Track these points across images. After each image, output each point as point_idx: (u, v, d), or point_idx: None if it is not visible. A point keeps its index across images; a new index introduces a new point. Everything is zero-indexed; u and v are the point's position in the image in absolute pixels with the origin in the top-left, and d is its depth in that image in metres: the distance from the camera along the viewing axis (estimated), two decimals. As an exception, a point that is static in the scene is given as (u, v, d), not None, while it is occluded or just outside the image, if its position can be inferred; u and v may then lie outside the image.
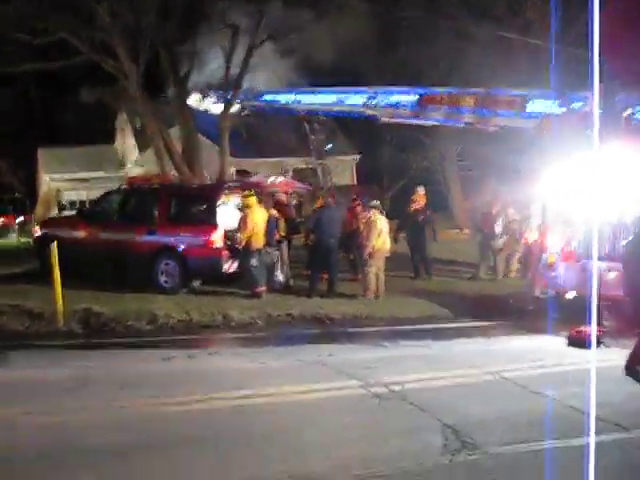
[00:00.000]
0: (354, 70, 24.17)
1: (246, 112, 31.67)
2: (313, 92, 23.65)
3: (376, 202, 14.54)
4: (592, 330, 10.21)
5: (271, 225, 14.02)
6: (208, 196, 14.23)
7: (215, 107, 32.76)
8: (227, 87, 20.62)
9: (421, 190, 26.61)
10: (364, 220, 14.29)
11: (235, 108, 32.19)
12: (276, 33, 20.24)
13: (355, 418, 6.66)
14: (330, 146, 33.43)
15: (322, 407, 7.07)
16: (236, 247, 13.73)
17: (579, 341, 10.31)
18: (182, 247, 13.91)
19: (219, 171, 20.61)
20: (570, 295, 12.49)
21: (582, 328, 10.48)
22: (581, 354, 9.83)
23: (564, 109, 13.56)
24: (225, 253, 13.74)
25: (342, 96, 21.17)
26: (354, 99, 20.59)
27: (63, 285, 14.13)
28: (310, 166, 33.72)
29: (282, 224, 14.66)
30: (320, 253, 14.21)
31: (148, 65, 19.63)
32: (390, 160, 38.88)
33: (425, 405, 6.95)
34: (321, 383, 7.80)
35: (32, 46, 20.06)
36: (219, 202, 13.89)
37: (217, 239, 13.69)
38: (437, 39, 23.64)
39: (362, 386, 7.65)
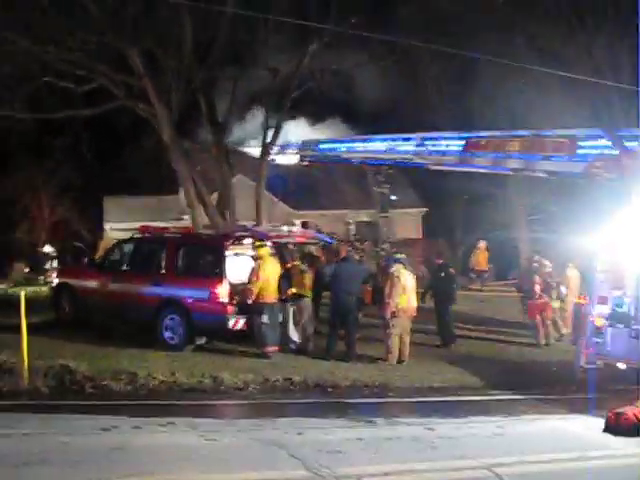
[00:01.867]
0: (411, 118, 22.95)
1: (305, 162, 30.85)
2: (365, 140, 22.57)
3: (401, 255, 12.98)
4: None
5: (285, 279, 12.72)
6: (215, 246, 13.05)
7: (281, 158, 32.11)
8: (265, 132, 19.61)
9: (482, 245, 24.93)
10: (387, 276, 12.74)
11: (295, 159, 31.37)
12: (319, 77, 19.23)
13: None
14: (394, 198, 32.10)
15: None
16: (245, 302, 12.44)
17: (618, 426, 8.43)
18: (186, 300, 12.73)
19: (256, 221, 19.50)
20: (621, 366, 10.59)
21: (625, 409, 8.60)
22: (619, 444, 7.97)
23: (617, 150, 11.74)
24: (231, 308, 12.45)
25: (392, 144, 19.89)
26: (403, 147, 19.27)
27: (63, 338, 13.46)
28: (371, 219, 32.52)
29: (308, 279, 13.22)
30: (337, 311, 12.74)
31: (185, 111, 18.89)
32: (461, 214, 37.19)
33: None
34: (258, 471, 6.30)
35: (77, 94, 19.82)
36: (227, 253, 12.67)
37: (222, 292, 12.44)
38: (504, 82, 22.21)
39: (307, 479, 6.10)
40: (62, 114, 20.54)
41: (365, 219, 32.46)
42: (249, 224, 17.78)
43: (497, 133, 15.27)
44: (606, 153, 12.12)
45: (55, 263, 30.14)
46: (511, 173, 15.78)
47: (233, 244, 12.92)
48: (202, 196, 18.59)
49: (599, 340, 10.85)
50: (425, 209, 34.42)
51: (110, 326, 14.28)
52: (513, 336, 15.25)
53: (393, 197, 32.22)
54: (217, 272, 12.57)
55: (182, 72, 17.98)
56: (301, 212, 31.24)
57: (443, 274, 14.50)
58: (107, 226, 35.27)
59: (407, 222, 33.31)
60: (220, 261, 12.60)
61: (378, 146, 21.45)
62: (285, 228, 13.41)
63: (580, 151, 12.86)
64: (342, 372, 11.50)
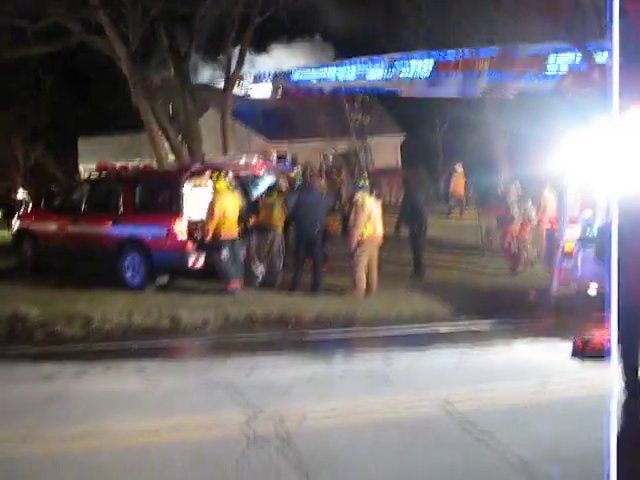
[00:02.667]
0: (370, 40, 22.11)
1: (279, 94, 30.03)
2: (335, 66, 21.80)
3: (364, 182, 12.47)
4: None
5: (244, 211, 12.25)
6: (171, 182, 12.49)
7: (254, 91, 31.20)
8: (229, 62, 18.80)
9: (459, 168, 24.31)
10: (350, 203, 12.26)
11: (268, 90, 30.48)
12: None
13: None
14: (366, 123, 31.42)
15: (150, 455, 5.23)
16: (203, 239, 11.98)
17: (585, 352, 8.14)
18: (145, 239, 12.26)
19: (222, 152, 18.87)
20: (592, 291, 10.25)
21: (592, 334, 8.29)
22: (586, 371, 7.68)
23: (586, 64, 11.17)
24: (190, 245, 11.99)
25: (361, 68, 19.17)
26: (373, 73, 18.58)
27: (21, 284, 13.04)
28: (348, 148, 31.89)
29: (277, 211, 12.70)
30: (302, 243, 12.30)
31: (146, 45, 18.03)
32: (441, 141, 36.59)
33: (304, 456, 5.01)
34: (196, 414, 5.96)
35: (32, 32, 18.92)
36: (184, 188, 12.13)
37: (180, 229, 11.96)
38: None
39: (246, 422, 5.76)
40: (19, 53, 19.66)
41: (342, 148, 31.86)
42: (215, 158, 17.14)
43: (465, 52, 14.65)
44: (575, 70, 11.60)
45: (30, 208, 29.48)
46: (482, 95, 15.22)
47: (190, 178, 12.34)
48: (166, 132, 17.87)
49: (569, 265, 10.50)
50: (403, 135, 33.74)
51: (71, 270, 13.85)
52: (488, 263, 14.91)
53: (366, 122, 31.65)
54: (174, 208, 12.06)
55: (137, 2, 17.03)
56: (277, 144, 30.57)
57: (410, 200, 14.05)
58: (82, 167, 34.62)
59: (385, 150, 32.77)
60: (177, 197, 12.08)
61: (348, 72, 20.71)
62: (242, 159, 12.78)
63: (550, 68, 12.31)
64: (306, 305, 11.10)
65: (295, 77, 23.56)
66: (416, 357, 8.27)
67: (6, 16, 18.20)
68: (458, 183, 23.46)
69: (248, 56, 20.55)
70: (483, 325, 10.34)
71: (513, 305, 11.42)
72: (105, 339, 9.56)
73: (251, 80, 28.98)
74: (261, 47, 20.91)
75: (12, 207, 30.96)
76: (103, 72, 32.13)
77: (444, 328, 10.24)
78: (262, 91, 29.89)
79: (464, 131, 33.32)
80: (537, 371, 7.62)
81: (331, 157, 32.88)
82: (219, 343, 9.23)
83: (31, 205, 29.01)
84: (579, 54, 11.16)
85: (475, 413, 6.00)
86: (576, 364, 7.94)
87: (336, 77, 20.18)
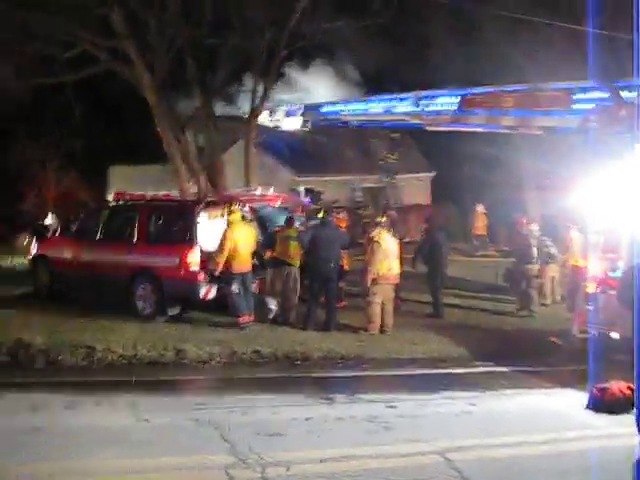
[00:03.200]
0: (397, 77, 21.98)
1: (307, 127, 29.96)
2: (364, 101, 21.65)
3: (382, 219, 12.17)
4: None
5: (260, 244, 12.04)
6: (185, 212, 12.33)
7: (287, 123, 31.19)
8: (253, 93, 18.76)
9: (479, 208, 23.76)
10: (367, 240, 11.95)
11: (297, 123, 30.43)
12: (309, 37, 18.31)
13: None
14: (394, 162, 31.20)
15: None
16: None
17: (602, 403, 7.67)
18: (157, 269, 12.08)
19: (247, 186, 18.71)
20: (614, 335, 9.77)
21: (610, 384, 7.83)
22: (601, 422, 7.22)
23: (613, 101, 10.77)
24: (202, 277, 11.77)
25: (389, 104, 18.96)
26: (399, 108, 18.35)
27: (34, 311, 12.89)
28: (377, 185, 31.69)
29: (293, 246, 12.43)
30: (317, 279, 12.01)
31: (173, 75, 18.08)
32: (471, 178, 36.16)
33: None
34: (177, 456, 5.66)
35: (62, 61, 19.17)
36: (198, 219, 11.96)
37: (193, 260, 11.75)
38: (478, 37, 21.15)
39: (229, 466, 5.42)
40: (49, 81, 19.89)
41: (371, 185, 31.63)
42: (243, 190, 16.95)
43: (491, 89, 14.34)
44: (602, 105, 11.21)
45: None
46: (507, 131, 14.83)
47: (205, 209, 12.17)
48: (189, 163, 17.82)
49: (592, 307, 10.04)
50: (433, 173, 33.39)
51: (85, 298, 13.73)
52: (508, 304, 14.45)
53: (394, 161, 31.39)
54: (187, 239, 11.88)
55: (164, 32, 17.11)
56: (304, 178, 30.42)
57: (429, 239, 13.70)
58: (110, 196, 34.80)
59: (416, 187, 32.44)
60: (190, 227, 11.90)
61: (375, 107, 20.58)
62: (258, 191, 12.57)
63: (576, 105, 11.93)
64: (317, 343, 10.81)
65: (324, 110, 23.34)
66: (423, 402, 7.87)
67: (39, 43, 18.42)
68: (479, 223, 22.87)
69: (275, 88, 20.49)
70: (498, 369, 9.91)
71: (531, 349, 11.01)
72: (106, 370, 9.35)
73: (281, 113, 28.98)
74: (287, 79, 20.74)
75: (41, 232, 31.26)
76: (136, 102, 32.62)
77: (457, 371, 9.83)
78: (291, 124, 29.83)
79: (492, 168, 32.93)
80: (549, 421, 7.20)
81: (359, 193, 32.71)
82: (220, 380, 8.95)
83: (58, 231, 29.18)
84: (606, 92, 10.76)
85: (475, 466, 5.60)
86: (592, 415, 7.48)
87: (364, 111, 19.88)
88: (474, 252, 22.64)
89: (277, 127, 29.47)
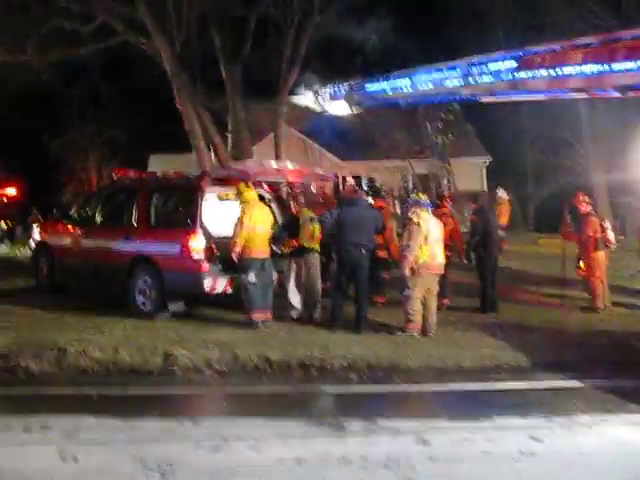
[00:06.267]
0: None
1: (355, 110, 27.79)
2: (409, 75, 19.46)
3: (424, 197, 10.07)
4: None
5: (287, 229, 10.14)
6: (188, 191, 10.42)
7: (334, 107, 29.25)
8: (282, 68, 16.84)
9: (503, 194, 20.79)
10: (405, 222, 9.88)
11: (344, 107, 28.45)
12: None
13: None
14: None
15: None
16: (228, 258, 9.88)
17: None
18: (157, 258, 10.25)
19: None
20: None
21: None
22: None
23: None
24: (207, 266, 9.90)
25: (437, 76, 16.69)
26: (450, 80, 16.07)
27: (27, 306, 11.26)
28: (428, 170, 29.48)
29: (317, 229, 10.50)
30: (344, 269, 10.00)
31: (193, 45, 16.33)
32: (531, 163, 33.68)
33: None
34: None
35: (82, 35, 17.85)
36: (203, 198, 10.07)
37: (196, 247, 9.87)
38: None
39: None
40: (68, 54, 18.50)
41: (422, 170, 29.43)
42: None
43: (556, 46, 12.03)
44: None
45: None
46: (575, 95, 12.48)
47: (212, 187, 10.27)
48: (212, 140, 15.98)
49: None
50: (489, 158, 30.90)
51: (86, 291, 12.06)
52: (573, 299, 12.23)
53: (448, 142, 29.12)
54: (190, 222, 10.00)
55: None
56: (350, 163, 28.37)
57: (480, 221, 11.57)
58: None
59: (469, 173, 30.09)
60: (194, 208, 10.00)
61: (424, 80, 18.35)
62: (273, 165, 10.56)
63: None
64: (342, 347, 8.77)
65: (369, 89, 20.99)
66: (467, 435, 5.77)
67: (60, 18, 17.12)
68: (503, 212, 19.40)
69: (310, 67, 18.50)
70: (567, 384, 7.74)
71: (607, 355, 8.79)
72: (72, 380, 7.53)
73: (327, 96, 27.10)
74: (320, 54, 18.72)
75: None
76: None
77: (514, 386, 7.69)
78: (339, 108, 27.88)
79: (557, 153, 30.40)
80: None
81: (410, 179, 30.58)
82: (207, 396, 7.04)
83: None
84: None
85: None
86: None
87: (412, 86, 17.47)
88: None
89: (324, 112, 27.32)
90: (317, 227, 10.40)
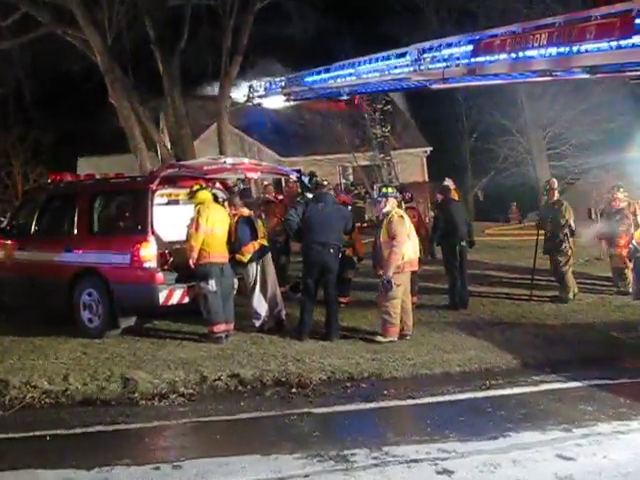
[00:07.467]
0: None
1: (291, 102, 26.96)
2: (353, 64, 18.69)
3: (391, 190, 9.35)
4: None
5: (245, 230, 9.27)
6: (137, 193, 9.42)
7: (269, 101, 28.41)
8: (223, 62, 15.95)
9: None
10: (381, 217, 9.12)
11: (280, 100, 27.66)
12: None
13: None
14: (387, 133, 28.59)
15: None
16: (184, 265, 8.98)
17: None
18: (104, 269, 9.25)
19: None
20: None
21: None
22: None
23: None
24: (161, 276, 8.97)
25: (384, 64, 15.93)
26: (399, 69, 15.31)
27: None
28: (370, 163, 29.00)
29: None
30: (311, 271, 9.21)
31: (127, 37, 15.24)
32: (470, 153, 33.60)
33: None
34: None
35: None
36: (153, 200, 9.11)
37: (148, 255, 8.91)
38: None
39: None
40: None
41: (364, 163, 28.89)
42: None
43: (516, 29, 11.48)
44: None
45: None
46: (539, 79, 11.96)
47: (162, 187, 9.32)
48: (151, 137, 14.94)
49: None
50: (429, 148, 30.58)
51: (23, 309, 10.91)
52: (545, 289, 11.80)
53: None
54: (140, 227, 9.03)
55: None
56: (291, 159, 27.60)
57: (445, 212, 11.06)
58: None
59: (410, 164, 29.73)
60: (143, 212, 9.01)
61: (368, 70, 17.63)
62: (229, 160, 9.69)
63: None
64: (317, 358, 8.05)
65: (308, 80, 20.14)
66: (488, 456, 5.06)
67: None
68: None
69: (251, 60, 17.65)
70: (569, 385, 7.21)
71: (594, 351, 8.42)
72: (16, 417, 6.52)
73: (261, 89, 26.36)
74: (260, 45, 17.89)
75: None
76: (105, 89, 29.95)
77: (511, 391, 7.07)
78: (274, 102, 27.18)
79: (495, 141, 30.32)
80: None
81: (351, 172, 30.07)
82: (179, 428, 6.11)
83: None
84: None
85: None
86: None
87: (356, 74, 16.69)
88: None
89: (259, 105, 26.39)
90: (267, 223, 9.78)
